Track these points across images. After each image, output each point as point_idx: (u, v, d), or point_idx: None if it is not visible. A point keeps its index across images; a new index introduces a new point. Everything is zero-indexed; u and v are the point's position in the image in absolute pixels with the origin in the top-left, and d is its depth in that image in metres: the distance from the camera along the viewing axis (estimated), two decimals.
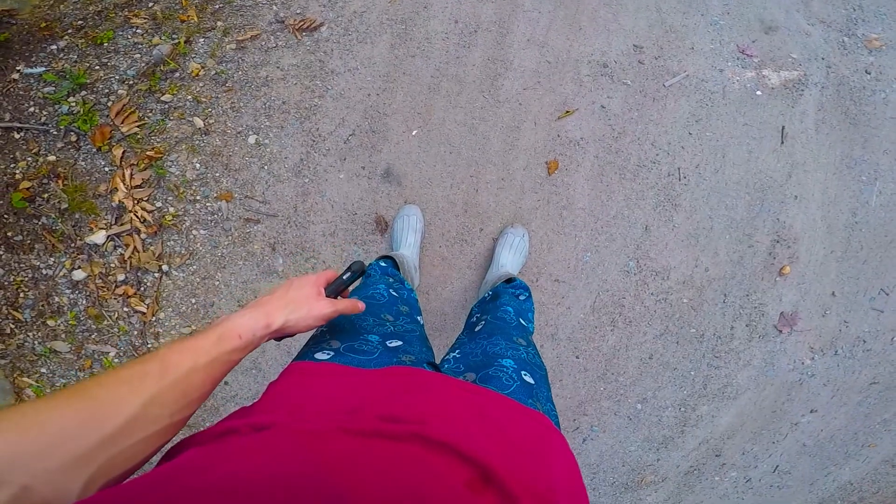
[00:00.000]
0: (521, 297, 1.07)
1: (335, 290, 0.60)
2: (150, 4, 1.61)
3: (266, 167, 1.39)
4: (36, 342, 1.42)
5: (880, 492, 1.74)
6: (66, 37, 1.56)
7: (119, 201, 1.35)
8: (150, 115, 1.40)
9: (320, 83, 1.45)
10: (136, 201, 1.35)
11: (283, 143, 1.40)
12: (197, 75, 1.46)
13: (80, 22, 1.59)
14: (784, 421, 1.68)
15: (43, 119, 1.39)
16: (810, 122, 1.63)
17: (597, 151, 1.53)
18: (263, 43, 1.51)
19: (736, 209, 1.57)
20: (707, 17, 1.66)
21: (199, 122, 1.39)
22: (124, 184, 1.35)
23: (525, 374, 0.64)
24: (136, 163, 1.36)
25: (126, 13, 1.61)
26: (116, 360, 1.46)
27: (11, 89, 1.44)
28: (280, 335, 0.53)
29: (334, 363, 0.57)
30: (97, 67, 1.51)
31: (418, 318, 0.89)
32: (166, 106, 1.40)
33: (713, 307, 1.60)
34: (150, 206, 1.36)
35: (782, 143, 1.61)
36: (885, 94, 1.65)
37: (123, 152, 1.36)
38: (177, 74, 1.47)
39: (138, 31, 1.56)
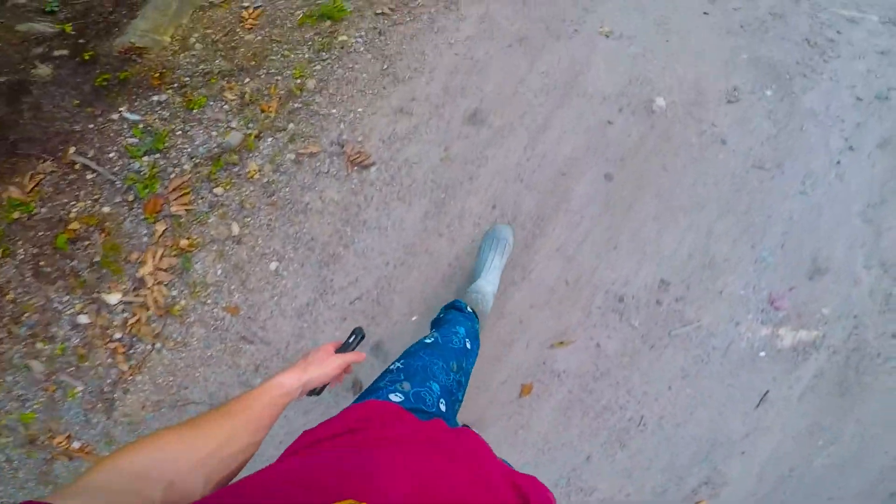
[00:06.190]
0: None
1: (342, 351, 0.77)
2: (246, 80, 1.73)
3: (276, 298, 1.51)
4: (17, 355, 1.53)
5: None
6: (170, 91, 1.69)
7: (143, 275, 1.48)
8: (200, 202, 1.52)
9: (350, 231, 1.55)
10: (156, 282, 1.48)
11: (298, 280, 1.52)
12: (252, 177, 1.58)
13: (186, 78, 1.72)
14: None
15: (116, 169, 1.53)
16: (798, 389, 1.60)
17: (572, 387, 1.57)
18: (318, 164, 1.61)
19: (679, 457, 1.58)
20: (757, 249, 1.62)
21: (235, 229, 1.51)
22: (153, 261, 1.48)
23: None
24: (170, 245, 1.48)
25: (224, 83, 1.74)
26: (80, 396, 1.58)
27: (106, 128, 1.58)
28: (311, 387, 0.72)
29: (404, 409, 0.74)
30: (178, 133, 1.63)
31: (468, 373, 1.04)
32: (216, 199, 1.53)
33: None
34: (166, 292, 1.49)
35: (756, 406, 1.58)
36: None
37: (164, 230, 1.49)
38: (236, 169, 1.59)
39: (225, 106, 1.68)
